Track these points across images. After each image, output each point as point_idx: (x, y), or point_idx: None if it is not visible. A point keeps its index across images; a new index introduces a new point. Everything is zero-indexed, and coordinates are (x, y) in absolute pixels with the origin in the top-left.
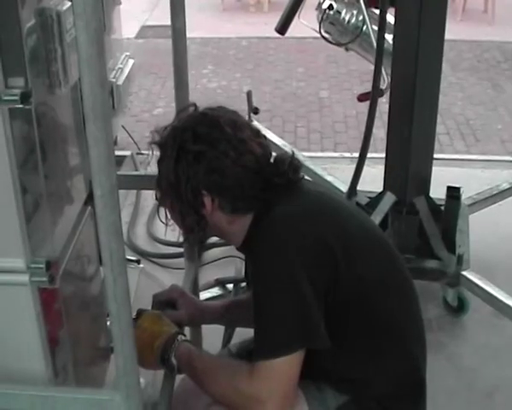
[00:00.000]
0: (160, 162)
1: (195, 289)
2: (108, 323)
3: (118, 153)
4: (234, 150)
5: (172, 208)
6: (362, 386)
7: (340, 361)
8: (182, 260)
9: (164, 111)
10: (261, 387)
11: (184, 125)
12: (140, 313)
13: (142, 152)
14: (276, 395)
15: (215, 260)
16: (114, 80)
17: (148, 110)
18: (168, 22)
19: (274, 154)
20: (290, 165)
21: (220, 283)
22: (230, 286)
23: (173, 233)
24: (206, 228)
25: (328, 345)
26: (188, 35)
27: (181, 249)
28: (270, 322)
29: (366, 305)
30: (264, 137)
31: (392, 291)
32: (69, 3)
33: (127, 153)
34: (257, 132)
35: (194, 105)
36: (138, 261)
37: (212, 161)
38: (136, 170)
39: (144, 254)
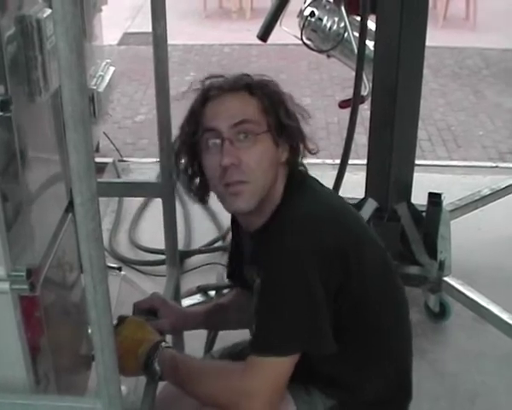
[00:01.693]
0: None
1: (177, 297)
2: (90, 330)
3: (99, 160)
4: None
5: None
6: (352, 391)
7: (334, 366)
8: (164, 267)
9: (146, 118)
10: (253, 382)
11: None
12: (122, 319)
13: (124, 159)
14: (266, 392)
15: (197, 268)
16: (95, 87)
17: (130, 117)
18: (150, 29)
19: None
20: None
21: (202, 290)
22: (212, 293)
23: (155, 240)
24: None
25: (334, 350)
26: (170, 42)
27: (163, 256)
28: (277, 320)
29: (367, 313)
30: None
31: (391, 300)
32: (49, 11)
33: (109, 160)
34: None
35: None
36: (120, 269)
37: None
38: (118, 177)
39: (126, 262)
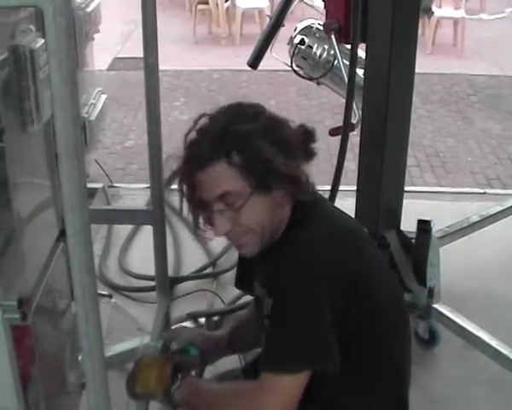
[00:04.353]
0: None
1: (167, 323)
2: (80, 358)
3: (89, 185)
4: None
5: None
6: None
7: (336, 390)
8: (154, 293)
9: (135, 143)
10: (266, 399)
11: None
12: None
13: (114, 185)
14: (279, 408)
15: (187, 294)
16: (87, 116)
17: (119, 142)
18: (140, 54)
19: None
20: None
21: (192, 317)
22: (202, 320)
23: (145, 266)
24: None
25: (337, 369)
26: (160, 67)
27: (153, 283)
28: (287, 337)
29: (373, 339)
30: None
31: (397, 329)
32: (42, 41)
33: (99, 185)
34: None
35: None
36: (110, 296)
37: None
38: (108, 203)
39: (116, 288)
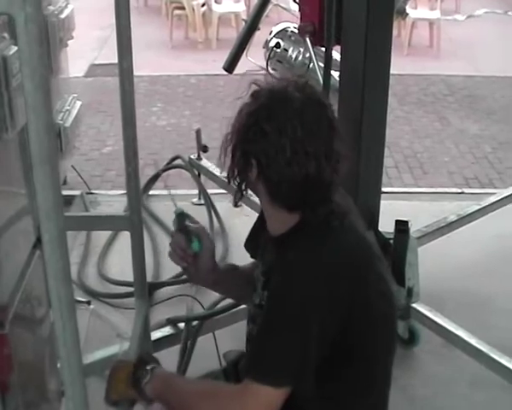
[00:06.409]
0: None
1: (146, 329)
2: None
3: (67, 193)
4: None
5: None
6: None
7: (318, 402)
8: (133, 299)
9: (113, 149)
10: (246, 406)
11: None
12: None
13: (92, 191)
14: None
15: (166, 300)
16: (62, 122)
17: (97, 149)
18: (117, 60)
19: None
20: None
21: (171, 322)
22: (182, 325)
23: (124, 273)
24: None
25: (311, 393)
26: (136, 73)
27: (132, 289)
28: (274, 349)
29: (359, 360)
30: None
31: (386, 350)
32: (15, 48)
33: (77, 192)
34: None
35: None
36: (89, 302)
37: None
38: (86, 210)
39: (95, 295)
